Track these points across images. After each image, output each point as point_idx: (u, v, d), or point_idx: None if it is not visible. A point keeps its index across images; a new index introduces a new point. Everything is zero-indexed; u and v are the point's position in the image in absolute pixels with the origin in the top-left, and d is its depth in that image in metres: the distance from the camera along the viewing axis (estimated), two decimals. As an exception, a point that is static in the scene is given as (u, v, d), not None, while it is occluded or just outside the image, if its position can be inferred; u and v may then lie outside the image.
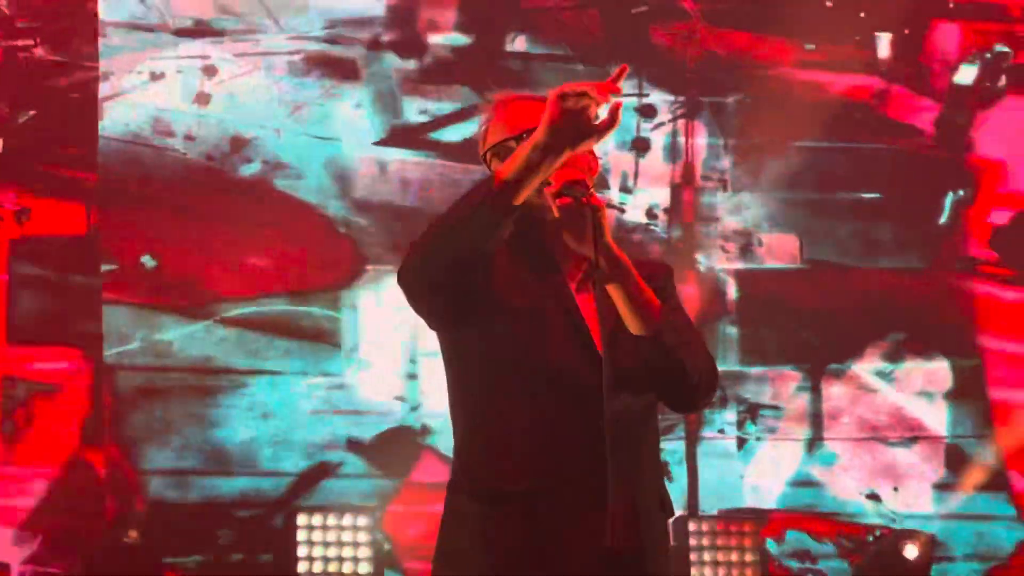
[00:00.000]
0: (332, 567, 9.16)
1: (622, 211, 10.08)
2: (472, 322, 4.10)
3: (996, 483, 10.36)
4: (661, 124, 10.08)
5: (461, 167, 9.47)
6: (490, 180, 3.79)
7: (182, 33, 9.77)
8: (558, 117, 3.70)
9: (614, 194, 10.10)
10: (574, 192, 3.91)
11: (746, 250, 10.15)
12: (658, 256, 9.98)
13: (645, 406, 4.15)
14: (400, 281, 4.09)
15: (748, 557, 9.61)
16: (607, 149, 9.85)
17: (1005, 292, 10.58)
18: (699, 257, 10.06)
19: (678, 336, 4.05)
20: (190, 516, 9.72)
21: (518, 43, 10.01)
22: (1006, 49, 10.42)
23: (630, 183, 10.12)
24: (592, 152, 4.00)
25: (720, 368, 9.82)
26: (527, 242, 4.13)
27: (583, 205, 3.89)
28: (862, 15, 10.24)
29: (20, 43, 9.77)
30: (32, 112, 9.65)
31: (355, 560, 9.34)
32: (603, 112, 3.75)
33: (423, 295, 4.06)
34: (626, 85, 10.27)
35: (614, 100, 3.80)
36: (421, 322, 4.23)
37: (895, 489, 10.25)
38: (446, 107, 9.88)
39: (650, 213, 10.12)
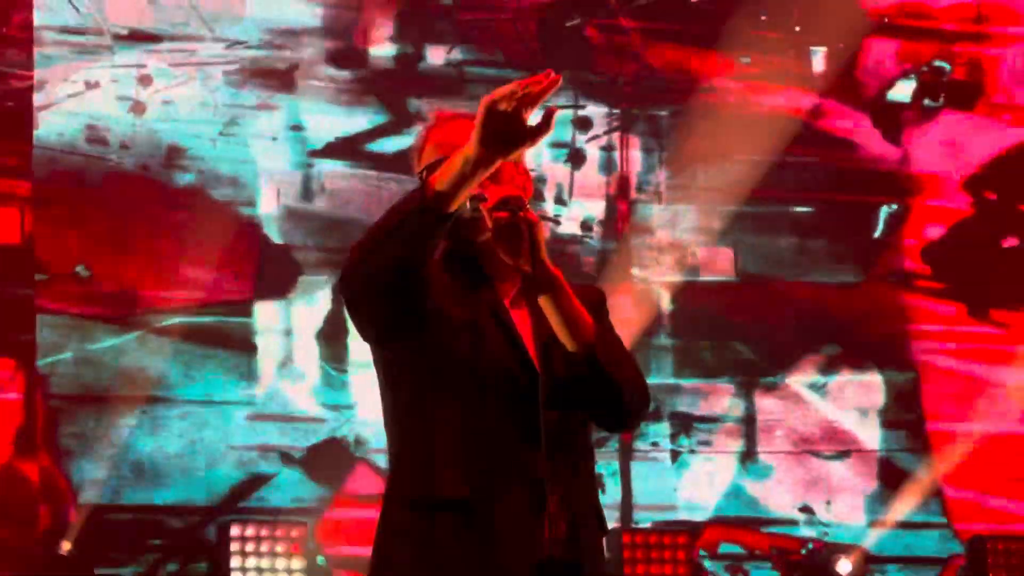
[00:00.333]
0: (266, 577, 8.77)
1: (557, 223, 10.04)
2: (410, 333, 4.07)
3: (928, 495, 10.43)
4: (596, 136, 10.06)
5: (396, 178, 9.44)
6: (422, 189, 3.78)
7: (118, 42, 9.72)
8: (489, 122, 3.66)
9: (549, 206, 10.12)
10: (511, 207, 3.90)
11: (681, 263, 10.11)
12: (592, 267, 10.12)
13: (580, 419, 4.12)
14: (341, 290, 4.11)
15: (681, 570, 9.56)
16: (542, 161, 10.04)
17: (939, 306, 10.67)
18: (634, 270, 10.02)
19: (611, 356, 4.04)
20: (123, 526, 9.66)
21: (455, 55, 10.01)
22: (944, 65, 10.51)
23: (565, 195, 10.15)
24: (526, 172, 3.97)
25: (654, 381, 9.66)
26: (460, 257, 4.11)
27: (520, 220, 3.88)
28: (797, 29, 10.23)
29: (-47, 53, 9.50)
30: (-34, 122, 9.29)
31: (288, 571, 9.25)
32: (535, 117, 3.67)
33: (364, 304, 4.03)
34: (562, 97, 10.25)
35: (548, 105, 3.72)
36: (354, 332, 4.30)
37: (828, 502, 10.28)
38: (382, 118, 9.81)
39: (585, 225, 10.12)
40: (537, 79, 3.60)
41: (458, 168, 3.65)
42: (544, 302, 3.95)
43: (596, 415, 4.14)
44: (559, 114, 4.28)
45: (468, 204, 3.85)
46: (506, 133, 3.65)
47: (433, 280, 3.96)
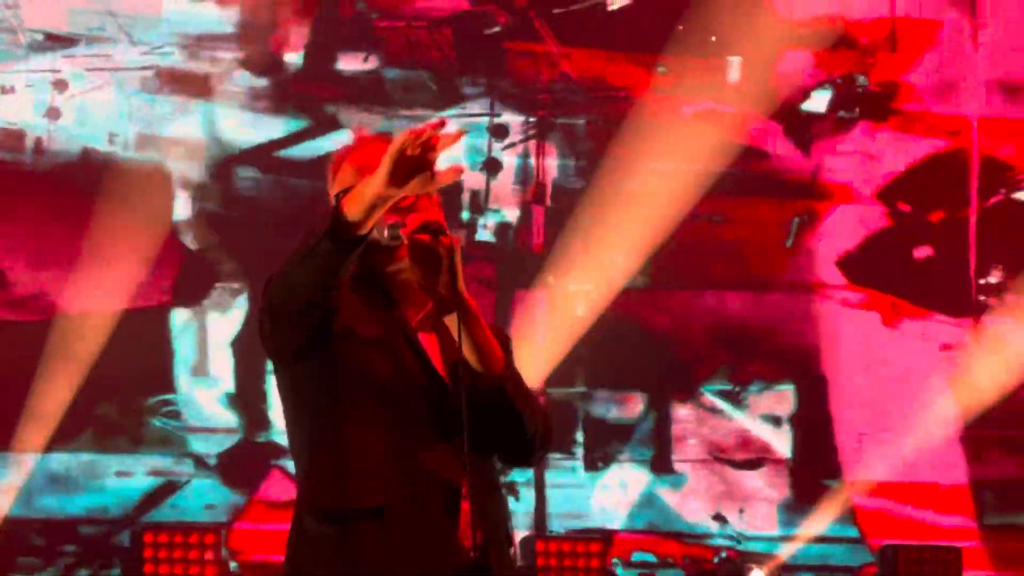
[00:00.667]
0: (179, 584, 8.64)
1: (473, 230, 10.19)
2: (323, 352, 4.04)
3: (840, 505, 10.43)
4: (513, 144, 10.07)
5: (312, 184, 9.29)
6: (335, 213, 3.75)
7: (33, 47, 9.62)
8: (398, 164, 3.64)
9: (465, 214, 10.27)
10: (431, 230, 3.87)
11: (596, 270, 10.15)
12: (507, 274, 10.29)
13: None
14: (263, 313, 4.00)
15: None
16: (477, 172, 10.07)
17: (852, 313, 10.82)
18: (549, 277, 10.07)
19: (519, 388, 4.03)
20: (35, 533, 9.71)
21: (371, 61, 9.98)
22: (859, 77, 10.62)
23: (481, 202, 10.17)
24: (438, 203, 3.95)
25: (569, 390, 10.01)
26: (369, 281, 4.06)
27: (440, 244, 3.86)
28: (713, 39, 10.22)
29: None
30: None
31: (202, 578, 8.86)
32: (443, 164, 3.63)
33: (282, 323, 4.02)
34: (478, 105, 10.23)
35: (457, 163, 3.67)
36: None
37: (741, 511, 10.34)
38: (298, 125, 9.78)
39: (500, 232, 10.22)
40: (441, 129, 3.59)
41: (367, 199, 3.63)
42: (456, 325, 3.96)
43: (499, 446, 4.13)
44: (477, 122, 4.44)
45: (386, 232, 3.86)
46: (412, 174, 3.64)
47: (343, 299, 3.94)
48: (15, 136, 9.54)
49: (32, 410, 9.68)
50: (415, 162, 3.62)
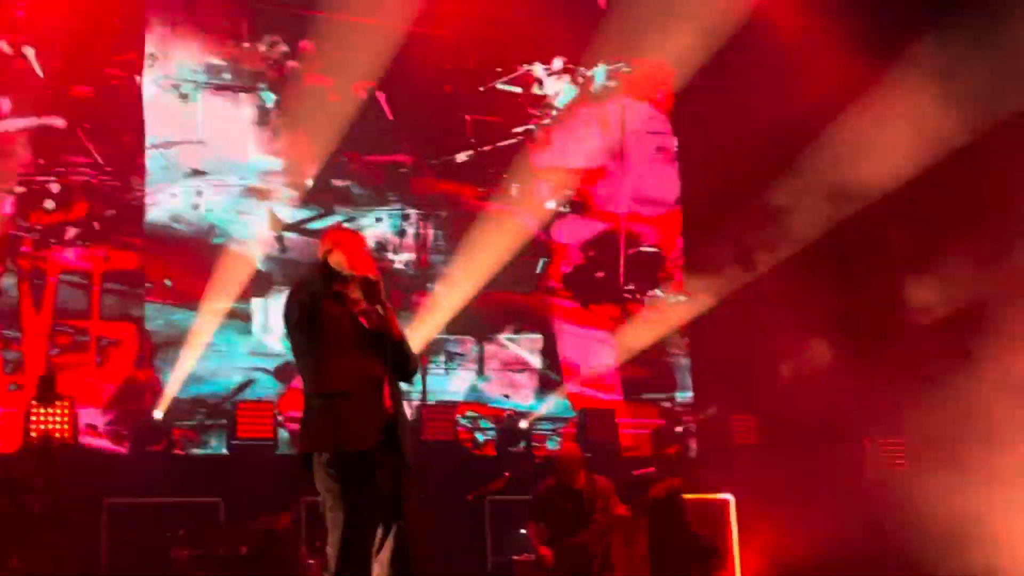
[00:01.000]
0: None
1: (393, 263, 12.72)
2: (314, 323, 5.28)
3: (562, 390, 13.10)
4: (411, 221, 13.03)
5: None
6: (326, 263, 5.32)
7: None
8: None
9: (391, 255, 12.80)
10: (368, 281, 5.24)
11: (450, 281, 12.92)
12: (409, 283, 12.71)
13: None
14: (294, 307, 5.36)
15: (449, 424, 11.79)
16: (388, 235, 12.80)
17: (566, 303, 13.54)
18: (428, 284, 12.88)
19: (408, 346, 5.44)
20: (187, 405, 11.63)
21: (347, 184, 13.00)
22: (570, 192, 13.65)
23: (397, 249, 12.96)
24: (374, 259, 5.43)
25: (439, 336, 12.91)
26: (335, 294, 5.29)
27: (378, 283, 5.26)
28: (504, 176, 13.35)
29: None
30: None
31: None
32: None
33: (297, 310, 5.33)
34: (397, 205, 12.91)
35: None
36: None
37: (509, 395, 12.95)
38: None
39: (407, 264, 12.97)
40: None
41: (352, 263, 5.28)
42: (383, 314, 5.28)
43: (397, 372, 5.40)
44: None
45: (361, 284, 5.24)
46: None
47: (324, 301, 5.25)
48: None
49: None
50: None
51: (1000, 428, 10.19)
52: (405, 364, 5.40)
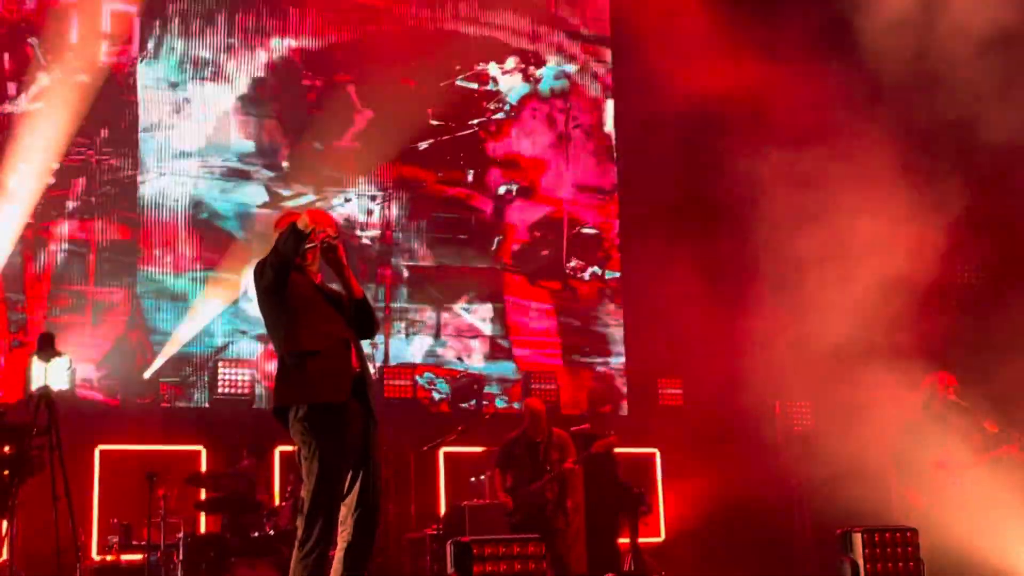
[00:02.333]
0: None
1: (360, 239, 12.76)
2: (285, 288, 5.28)
3: (507, 352, 13.16)
4: (378, 202, 13.08)
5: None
6: (294, 230, 5.16)
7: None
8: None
9: (359, 231, 12.90)
10: (326, 240, 5.29)
11: (411, 256, 13.10)
12: (375, 257, 12.72)
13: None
14: (261, 270, 5.32)
15: (409, 386, 12.11)
16: (359, 213, 12.92)
17: (515, 277, 13.54)
18: (392, 259, 12.98)
19: (368, 303, 5.54)
20: (177, 362, 11.68)
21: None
22: (515, 186, 13.74)
23: (365, 227, 13.00)
24: (335, 223, 5.41)
25: (399, 304, 12.89)
26: (298, 263, 5.35)
27: (331, 246, 5.32)
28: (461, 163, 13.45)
29: None
30: None
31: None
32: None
33: (271, 275, 5.23)
34: (373, 187, 12.96)
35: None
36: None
37: (465, 358, 13.13)
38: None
39: (373, 239, 12.98)
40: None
41: (306, 220, 5.17)
42: (344, 277, 5.39)
43: (360, 331, 5.46)
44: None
45: (323, 243, 5.25)
46: (321, 214, 5.26)
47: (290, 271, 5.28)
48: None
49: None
50: (323, 214, 5.28)
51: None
52: (367, 319, 5.41)
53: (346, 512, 5.20)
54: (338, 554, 5.21)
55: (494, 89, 13.82)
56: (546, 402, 11.60)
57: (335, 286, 5.53)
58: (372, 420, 5.32)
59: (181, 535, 8.74)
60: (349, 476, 5.21)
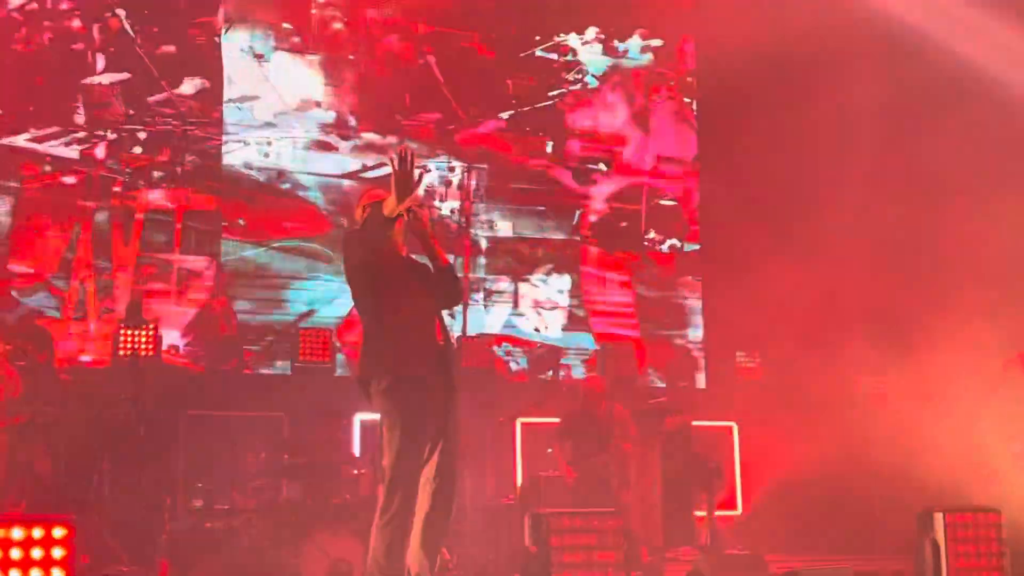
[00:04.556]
0: None
1: (440, 210, 12.75)
2: (372, 267, 5.36)
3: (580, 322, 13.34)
4: (456, 174, 13.08)
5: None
6: (377, 212, 5.17)
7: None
8: (398, 186, 5.00)
9: (438, 202, 12.89)
10: (412, 209, 5.35)
11: (490, 227, 13.18)
12: (457, 229, 12.59)
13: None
14: (347, 244, 5.43)
15: (487, 354, 11.86)
16: (437, 183, 12.93)
17: (593, 249, 13.58)
18: (472, 231, 12.82)
19: (453, 272, 5.63)
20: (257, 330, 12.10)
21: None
22: (602, 163, 13.68)
23: (443, 198, 13.00)
24: (420, 202, 5.39)
25: (480, 275, 12.93)
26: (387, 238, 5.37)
27: (417, 216, 5.41)
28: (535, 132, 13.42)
29: None
30: None
31: None
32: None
33: (359, 250, 5.36)
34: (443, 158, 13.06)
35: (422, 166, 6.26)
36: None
37: (542, 328, 13.09)
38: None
39: (453, 210, 12.88)
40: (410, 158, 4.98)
41: (393, 205, 5.10)
42: (430, 246, 5.46)
43: (443, 299, 5.57)
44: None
45: (407, 212, 5.27)
46: (406, 188, 5.05)
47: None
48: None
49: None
50: (408, 187, 4.98)
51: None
52: (452, 288, 5.47)
53: (424, 481, 5.26)
54: (416, 523, 5.25)
55: (573, 60, 13.81)
56: (622, 375, 11.70)
57: (418, 258, 5.53)
58: (452, 392, 5.37)
59: (263, 500, 8.87)
60: (428, 446, 5.27)
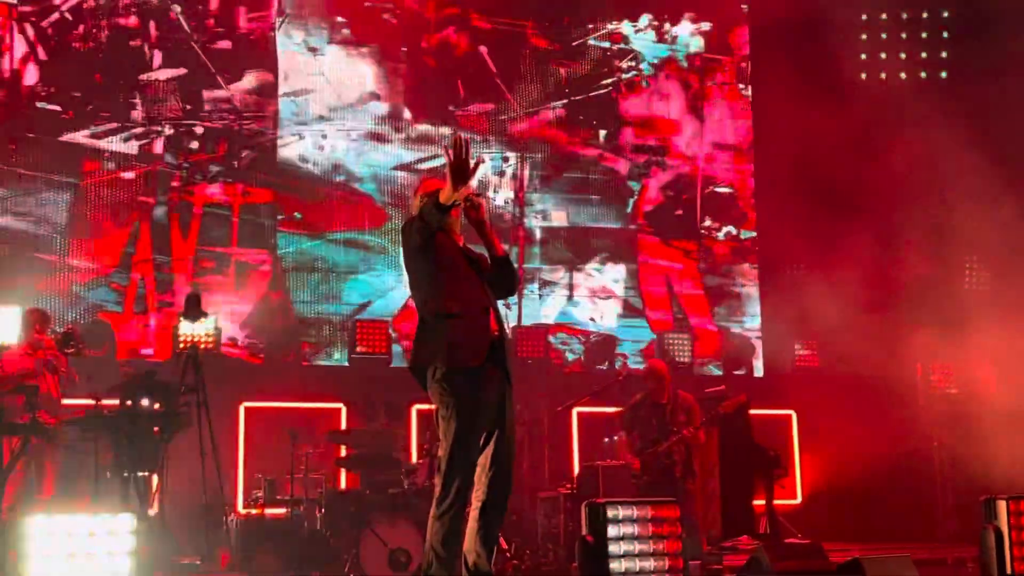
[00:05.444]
0: None
1: (493, 200, 12.95)
2: (432, 247, 5.34)
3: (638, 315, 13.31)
4: (509, 162, 13.26)
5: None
6: (436, 201, 5.15)
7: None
8: (455, 174, 4.98)
9: (492, 193, 12.98)
10: (470, 198, 5.32)
11: (544, 217, 13.28)
12: (511, 217, 12.79)
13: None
14: (413, 230, 5.32)
15: (542, 343, 11.92)
16: (490, 173, 13.01)
17: (648, 238, 13.51)
18: (525, 220, 13.13)
19: (511, 263, 5.56)
20: (316, 323, 12.20)
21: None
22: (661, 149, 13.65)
23: (497, 188, 13.14)
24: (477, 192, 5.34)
25: (534, 265, 12.99)
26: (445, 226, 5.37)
27: (474, 204, 5.37)
28: (587, 120, 13.41)
29: None
30: None
31: None
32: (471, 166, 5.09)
33: (418, 236, 5.29)
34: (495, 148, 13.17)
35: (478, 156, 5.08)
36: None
37: (598, 318, 13.22)
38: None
39: (506, 200, 13.16)
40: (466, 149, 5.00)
41: (449, 193, 5.11)
42: (487, 234, 5.45)
43: (500, 289, 5.52)
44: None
45: (464, 202, 5.24)
46: (461, 177, 5.04)
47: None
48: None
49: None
50: (463, 175, 4.97)
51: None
52: (508, 278, 5.46)
53: (480, 472, 5.26)
54: (473, 512, 5.26)
55: (627, 48, 13.80)
56: (680, 363, 11.85)
57: (476, 248, 5.52)
58: (507, 382, 5.36)
59: (322, 490, 8.94)
60: (483, 437, 5.26)
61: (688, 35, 14.09)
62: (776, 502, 10.13)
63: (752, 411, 10.13)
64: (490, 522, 5.24)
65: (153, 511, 8.35)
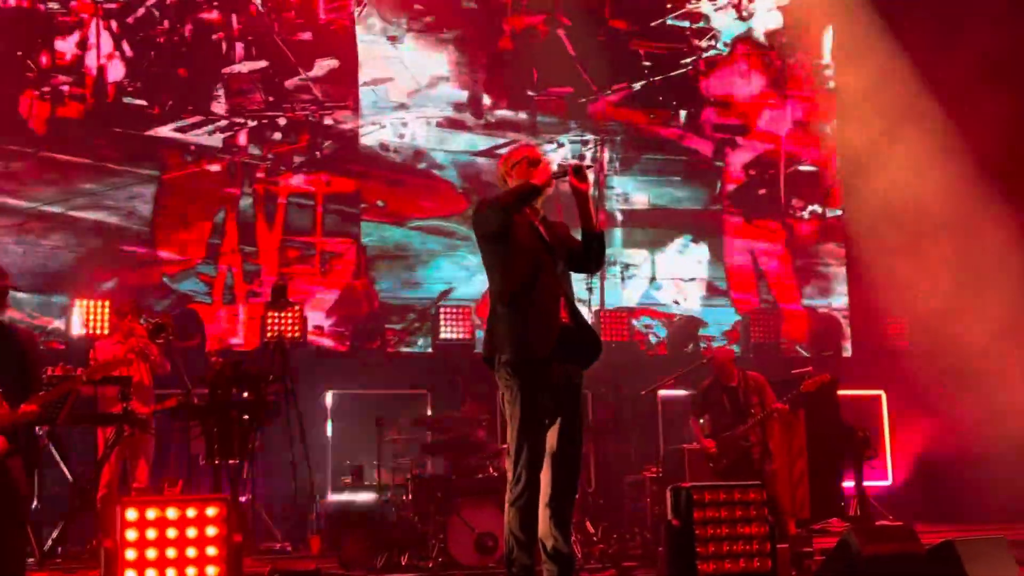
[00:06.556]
0: None
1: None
2: (507, 233, 5.30)
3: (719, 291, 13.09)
4: (588, 145, 13.28)
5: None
6: (528, 184, 5.25)
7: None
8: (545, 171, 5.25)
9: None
10: (580, 168, 5.37)
11: (625, 200, 13.26)
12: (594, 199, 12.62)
13: (566, 271, 5.50)
14: (486, 212, 5.34)
15: (626, 325, 11.98)
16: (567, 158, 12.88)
17: (732, 218, 13.50)
18: (606, 203, 13.14)
19: (603, 241, 5.49)
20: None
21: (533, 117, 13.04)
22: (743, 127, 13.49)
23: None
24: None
25: (614, 248, 12.85)
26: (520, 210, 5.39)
27: (580, 167, 5.41)
28: (652, 116, 13.30)
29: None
30: None
31: None
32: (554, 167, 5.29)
33: (494, 219, 5.29)
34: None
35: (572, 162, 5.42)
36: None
37: (681, 300, 13.13)
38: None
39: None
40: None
41: (545, 176, 5.26)
42: (584, 205, 5.44)
43: (586, 264, 5.46)
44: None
45: (575, 168, 5.26)
46: (578, 176, 5.31)
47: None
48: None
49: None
50: (581, 176, 5.30)
51: None
52: (598, 255, 5.38)
53: (549, 456, 5.23)
54: (543, 499, 5.24)
55: (706, 26, 13.69)
56: (767, 343, 11.76)
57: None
58: (574, 369, 5.31)
59: (409, 476, 8.88)
60: (547, 422, 5.23)
61: (766, 10, 13.92)
62: (866, 483, 10.06)
63: (841, 392, 10.02)
64: (562, 505, 5.22)
65: (243, 498, 8.46)
